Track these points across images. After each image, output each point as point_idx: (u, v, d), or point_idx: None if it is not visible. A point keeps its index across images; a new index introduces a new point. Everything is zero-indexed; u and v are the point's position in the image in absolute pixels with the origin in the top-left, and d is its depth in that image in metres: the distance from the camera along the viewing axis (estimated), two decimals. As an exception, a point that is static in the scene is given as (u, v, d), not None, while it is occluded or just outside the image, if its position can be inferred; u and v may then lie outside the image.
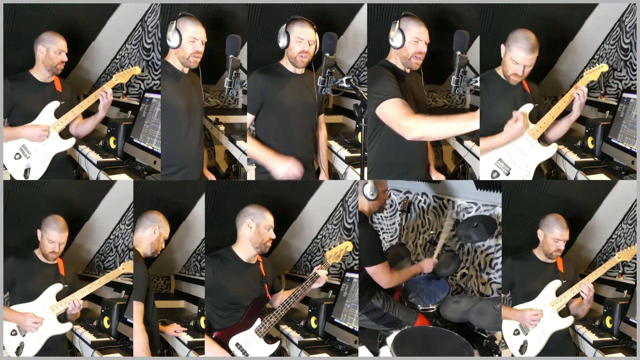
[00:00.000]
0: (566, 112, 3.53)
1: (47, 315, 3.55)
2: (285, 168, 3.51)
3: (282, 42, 3.54)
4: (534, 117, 3.51)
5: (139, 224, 3.60)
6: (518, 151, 3.46)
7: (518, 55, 3.37)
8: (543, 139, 3.55)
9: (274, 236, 3.54)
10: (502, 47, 3.44)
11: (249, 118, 3.60)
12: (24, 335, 3.52)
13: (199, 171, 3.73)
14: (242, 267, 3.54)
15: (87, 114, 3.75)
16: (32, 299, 3.56)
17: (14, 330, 3.52)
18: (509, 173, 3.44)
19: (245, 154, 3.81)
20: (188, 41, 3.52)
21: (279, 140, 3.59)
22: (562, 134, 3.58)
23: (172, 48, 3.55)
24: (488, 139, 3.43)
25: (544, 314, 3.53)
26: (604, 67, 3.52)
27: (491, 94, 3.47)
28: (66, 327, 3.60)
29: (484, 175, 3.46)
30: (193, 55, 3.54)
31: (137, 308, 3.45)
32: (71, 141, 3.70)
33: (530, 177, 3.44)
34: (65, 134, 3.69)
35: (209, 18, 3.87)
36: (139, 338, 3.44)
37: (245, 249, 3.53)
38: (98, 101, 3.66)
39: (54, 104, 3.65)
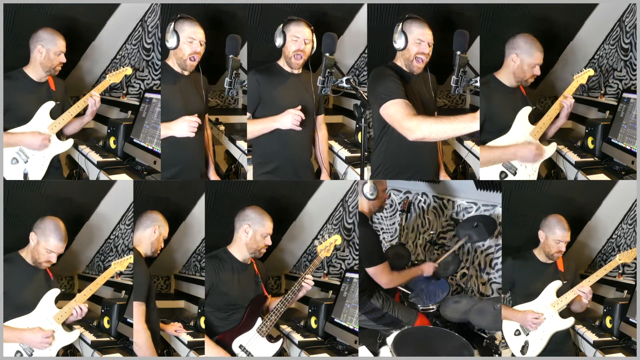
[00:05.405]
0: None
1: (54, 326, 3.23)
2: (289, 118, 3.52)
3: (278, 42, 3.57)
4: (532, 118, 3.54)
5: (138, 223, 3.59)
6: None
7: (534, 56, 3.45)
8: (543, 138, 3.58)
9: (269, 243, 3.54)
10: (514, 56, 3.47)
11: (248, 117, 3.61)
12: (31, 355, 3.15)
13: (198, 171, 3.71)
14: (239, 267, 3.54)
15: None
16: (28, 310, 3.22)
17: (18, 352, 3.13)
18: (515, 173, 3.50)
19: (246, 154, 3.82)
20: (186, 42, 3.52)
21: (275, 140, 3.59)
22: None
23: (171, 49, 3.56)
24: (496, 148, 3.49)
25: (545, 315, 3.52)
26: (590, 72, 3.55)
27: (493, 101, 3.52)
28: (74, 335, 3.35)
29: (491, 176, 3.52)
30: (191, 56, 3.54)
31: (139, 309, 3.42)
32: (69, 142, 3.62)
33: (534, 177, 3.51)
34: (60, 134, 3.61)
35: (209, 18, 3.86)
36: (142, 337, 3.35)
37: (240, 251, 3.55)
38: None
39: (49, 104, 3.52)
